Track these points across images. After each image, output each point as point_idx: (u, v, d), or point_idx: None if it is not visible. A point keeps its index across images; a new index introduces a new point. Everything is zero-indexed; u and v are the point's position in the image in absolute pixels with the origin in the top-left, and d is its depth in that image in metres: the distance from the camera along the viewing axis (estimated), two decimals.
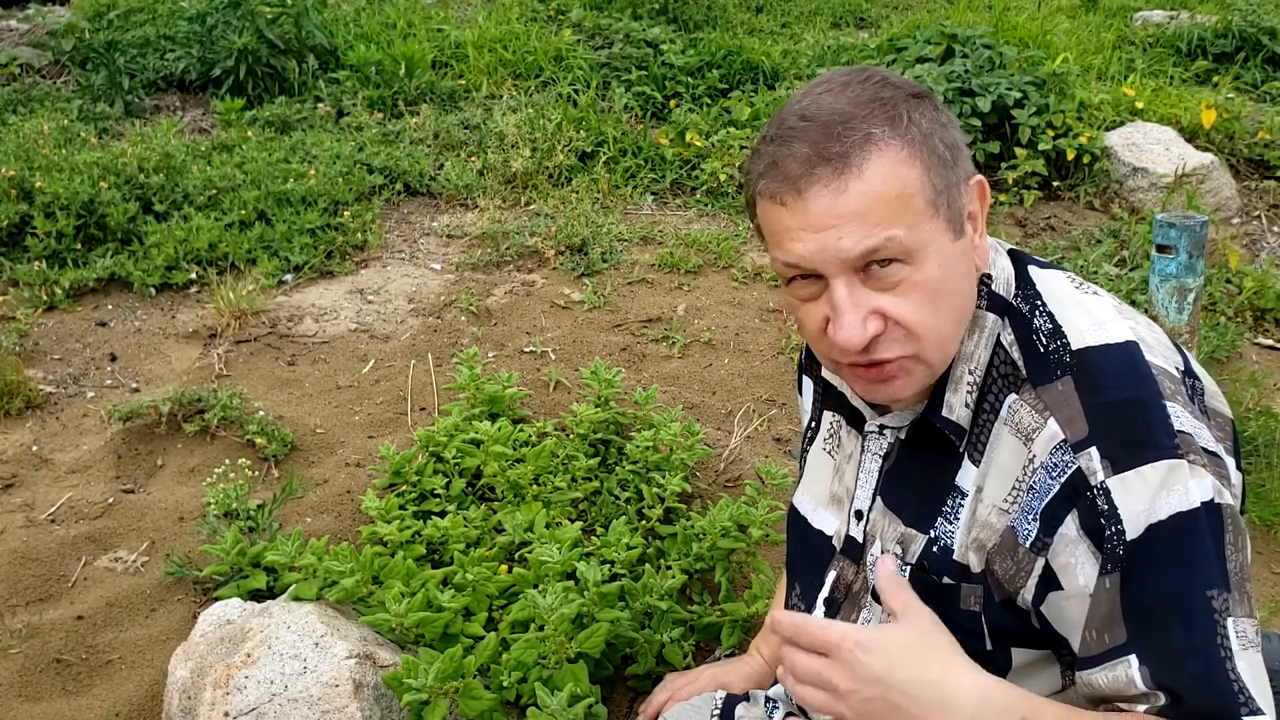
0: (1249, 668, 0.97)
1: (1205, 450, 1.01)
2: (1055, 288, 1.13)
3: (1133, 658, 0.99)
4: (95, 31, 5.56)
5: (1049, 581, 1.05)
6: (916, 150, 1.03)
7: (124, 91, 5.04)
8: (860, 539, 1.25)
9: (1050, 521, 1.03)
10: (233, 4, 5.16)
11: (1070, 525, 1.02)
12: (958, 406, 1.13)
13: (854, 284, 1.04)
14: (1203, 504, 0.98)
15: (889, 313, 1.05)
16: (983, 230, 1.12)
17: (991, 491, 1.10)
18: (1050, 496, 1.03)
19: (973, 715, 0.99)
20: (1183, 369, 1.09)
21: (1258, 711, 0.95)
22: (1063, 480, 1.02)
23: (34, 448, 2.81)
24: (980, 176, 1.11)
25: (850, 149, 1.01)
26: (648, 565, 2.14)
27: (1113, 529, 0.99)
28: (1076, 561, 1.02)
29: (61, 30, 5.47)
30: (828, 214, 1.01)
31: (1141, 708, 1.00)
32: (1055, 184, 4.62)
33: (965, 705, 0.99)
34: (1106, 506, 0.99)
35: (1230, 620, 0.97)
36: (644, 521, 2.34)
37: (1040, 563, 1.05)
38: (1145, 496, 0.98)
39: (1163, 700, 0.98)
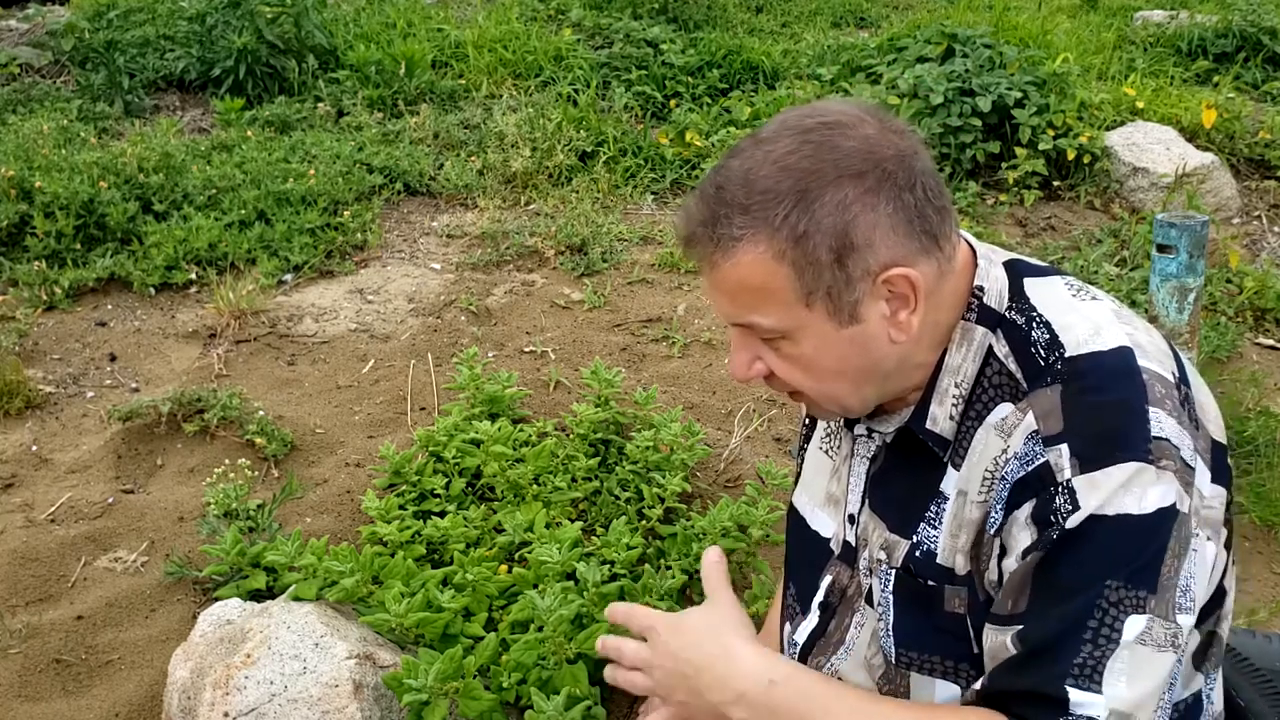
0: (1131, 658, 0.97)
1: (1181, 458, 1.01)
2: (1051, 297, 1.13)
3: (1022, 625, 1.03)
4: (95, 31, 5.56)
5: (1001, 560, 1.08)
6: (783, 251, 1.04)
7: (124, 91, 5.04)
8: (854, 543, 1.25)
9: (1010, 507, 1.06)
10: (232, 4, 5.16)
11: (1025, 510, 1.04)
12: (942, 419, 1.14)
13: (744, 332, 1.13)
14: (1155, 510, 0.99)
15: (769, 365, 1.13)
16: (918, 307, 1.08)
17: (971, 490, 1.11)
18: (1014, 481, 1.05)
19: (742, 693, 1.09)
20: (1177, 376, 1.09)
21: (1091, 690, 0.97)
22: (1029, 469, 1.04)
23: (33, 448, 2.81)
24: (904, 271, 1.05)
25: (723, 236, 1.06)
26: (648, 565, 2.14)
27: (1059, 520, 1.01)
28: (1014, 544, 1.05)
29: (61, 30, 5.47)
30: (707, 279, 1.11)
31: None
32: (1055, 184, 4.62)
33: (739, 683, 1.09)
34: (1069, 505, 1.01)
35: (1131, 616, 0.98)
36: (644, 521, 2.34)
37: (998, 543, 1.08)
38: (1103, 494, 0.99)
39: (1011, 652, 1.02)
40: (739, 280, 1.07)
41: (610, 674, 1.22)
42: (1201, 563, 1.04)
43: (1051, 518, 1.01)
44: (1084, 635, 0.98)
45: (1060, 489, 1.01)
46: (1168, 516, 0.99)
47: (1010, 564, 1.05)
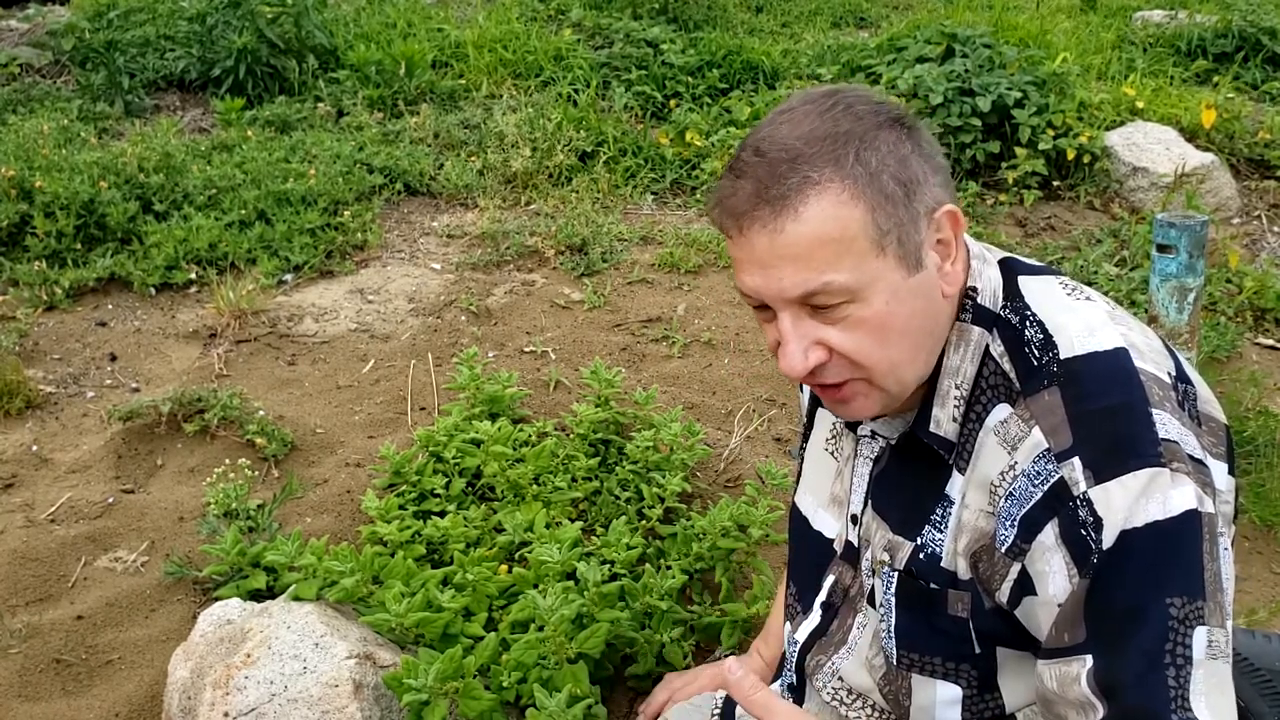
0: (1206, 677, 0.95)
1: (1190, 458, 1.00)
2: (1046, 296, 1.13)
3: (1088, 657, 0.99)
4: (95, 31, 5.56)
5: (1024, 586, 1.05)
6: (860, 190, 1.02)
7: (124, 91, 5.04)
8: (856, 543, 1.25)
9: (1029, 528, 1.03)
10: (233, 4, 5.16)
11: (1049, 533, 1.01)
12: (945, 421, 1.13)
13: (799, 316, 1.06)
14: (1181, 513, 0.97)
15: (832, 345, 1.07)
16: (958, 256, 1.10)
17: (975, 498, 1.10)
18: (1031, 504, 1.03)
19: None
20: (1174, 374, 1.08)
21: (1188, 716, 0.93)
22: (1045, 489, 1.02)
23: (34, 447, 2.81)
24: (951, 206, 1.09)
25: (789, 191, 1.01)
26: (648, 565, 2.13)
27: (1094, 539, 0.98)
28: (1050, 569, 1.01)
29: (61, 30, 5.47)
30: (768, 253, 1.03)
31: None
32: (1055, 184, 4.62)
33: None
34: (1090, 517, 0.99)
35: (1197, 629, 0.96)
36: (644, 521, 2.34)
37: (1016, 568, 1.05)
38: (1125, 505, 0.97)
39: (1100, 710, 0.97)
40: (814, 234, 1.01)
41: None
42: (1230, 563, 1.02)
43: (1083, 533, 0.99)
44: (1164, 660, 0.95)
45: (1078, 502, 0.99)
46: (1194, 519, 0.97)
47: (1051, 592, 1.01)
